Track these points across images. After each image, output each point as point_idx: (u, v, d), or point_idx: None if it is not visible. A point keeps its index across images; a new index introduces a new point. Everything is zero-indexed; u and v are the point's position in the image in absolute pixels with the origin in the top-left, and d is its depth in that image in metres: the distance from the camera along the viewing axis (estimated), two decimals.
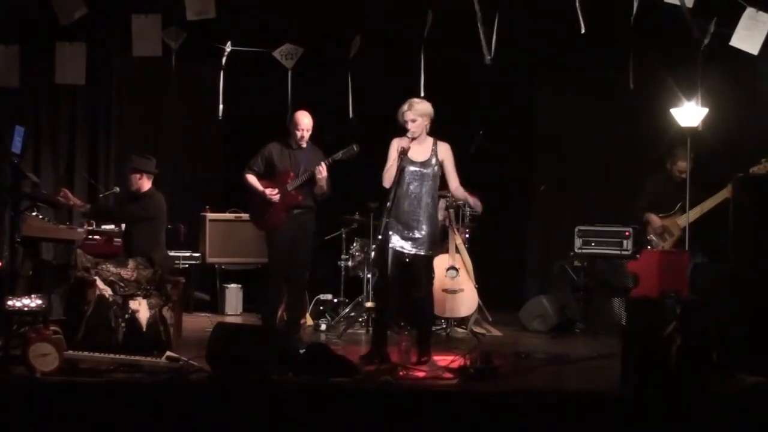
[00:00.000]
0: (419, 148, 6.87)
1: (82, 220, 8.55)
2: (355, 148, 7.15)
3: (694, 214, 7.89)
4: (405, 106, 6.84)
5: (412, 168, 6.83)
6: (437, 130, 7.35)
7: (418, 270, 6.88)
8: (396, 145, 6.84)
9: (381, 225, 6.71)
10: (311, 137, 7.64)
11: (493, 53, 7.36)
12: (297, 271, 7.64)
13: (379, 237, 6.68)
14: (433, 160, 6.86)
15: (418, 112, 6.80)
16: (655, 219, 8.31)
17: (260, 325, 7.82)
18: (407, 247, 6.81)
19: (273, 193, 7.55)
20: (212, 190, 10.14)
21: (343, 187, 7.82)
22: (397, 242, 6.79)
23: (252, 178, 7.66)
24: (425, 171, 6.83)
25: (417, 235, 6.81)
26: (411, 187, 6.83)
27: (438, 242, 7.16)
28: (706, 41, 6.99)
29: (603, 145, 9.69)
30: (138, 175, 7.46)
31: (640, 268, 8.44)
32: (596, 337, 8.35)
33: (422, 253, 6.83)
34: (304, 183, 7.52)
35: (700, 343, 5.90)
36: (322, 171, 7.40)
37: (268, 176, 7.66)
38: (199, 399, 5.64)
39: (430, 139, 6.92)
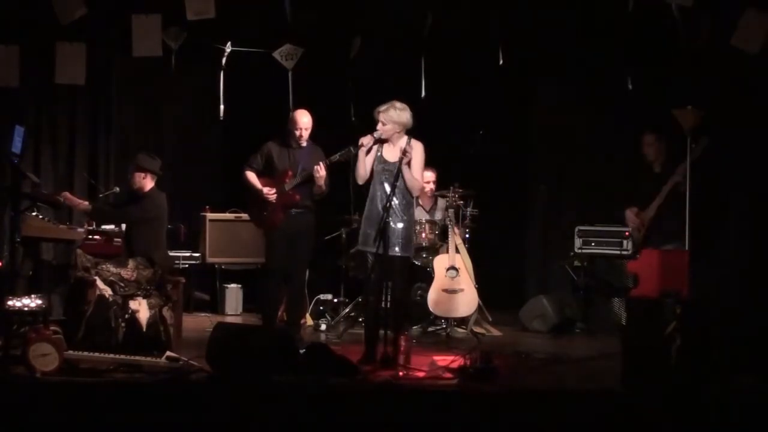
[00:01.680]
0: (392, 149, 6.88)
1: (82, 220, 8.55)
2: (353, 150, 7.14)
3: (653, 207, 7.88)
4: (383, 107, 6.85)
5: (383, 168, 6.86)
6: (438, 130, 7.38)
7: (393, 271, 6.81)
8: (360, 141, 6.92)
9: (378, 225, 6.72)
10: (311, 136, 7.64)
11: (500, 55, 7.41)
12: (297, 271, 7.63)
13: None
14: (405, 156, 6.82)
15: (390, 118, 6.82)
16: (629, 214, 8.24)
17: (260, 325, 7.82)
18: (381, 249, 6.68)
19: (270, 192, 7.55)
20: (212, 190, 10.13)
21: (343, 187, 7.82)
22: (371, 244, 6.76)
23: (251, 176, 7.66)
24: (395, 171, 6.80)
25: (390, 235, 6.76)
26: (383, 187, 6.84)
27: (410, 244, 7.01)
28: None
29: (603, 145, 9.68)
30: (142, 174, 7.45)
31: (640, 268, 8.43)
32: (596, 337, 8.35)
33: (395, 254, 6.79)
34: (302, 182, 7.52)
35: (700, 343, 5.90)
36: (320, 171, 7.39)
37: (267, 174, 7.65)
38: (199, 399, 5.64)
39: (405, 138, 6.89)
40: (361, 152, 6.90)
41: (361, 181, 6.93)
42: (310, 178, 7.48)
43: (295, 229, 7.54)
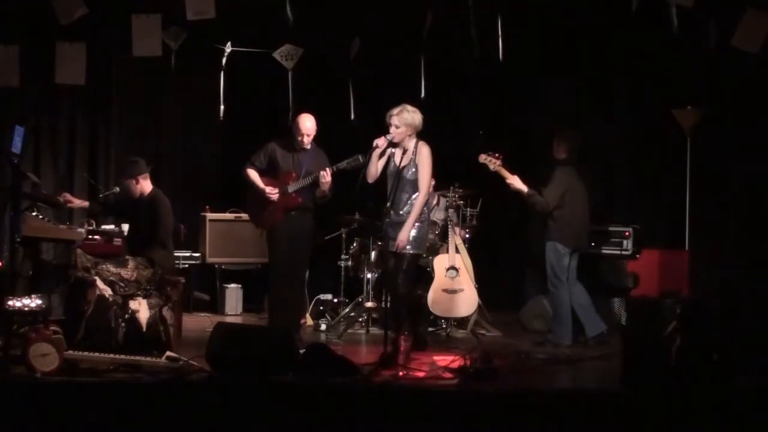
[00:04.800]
0: (401, 151, 6.97)
1: (82, 219, 8.56)
2: (360, 159, 7.14)
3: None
4: (395, 110, 6.96)
5: (393, 170, 6.97)
6: (438, 129, 7.38)
7: (399, 267, 6.97)
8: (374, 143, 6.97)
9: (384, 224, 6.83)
10: (315, 139, 7.63)
11: (501, 54, 7.43)
12: (297, 271, 7.63)
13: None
14: (411, 164, 6.94)
15: (403, 120, 6.92)
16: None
17: (260, 325, 7.82)
18: (391, 245, 6.94)
19: (273, 192, 7.54)
20: (212, 190, 10.14)
21: (343, 187, 7.81)
22: (387, 241, 6.95)
23: (253, 174, 7.65)
24: (404, 175, 6.93)
25: (397, 235, 6.93)
26: (393, 190, 6.94)
27: (422, 242, 7.21)
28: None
29: (603, 146, 9.68)
30: (134, 181, 7.46)
31: (640, 268, 8.46)
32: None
33: (406, 252, 6.93)
34: (305, 187, 7.51)
35: (700, 343, 5.90)
36: (326, 176, 7.38)
37: (269, 174, 7.65)
38: (199, 399, 5.64)
39: (413, 141, 6.97)
40: (375, 153, 6.96)
41: (371, 180, 7.04)
42: (314, 183, 7.47)
43: (294, 229, 7.53)
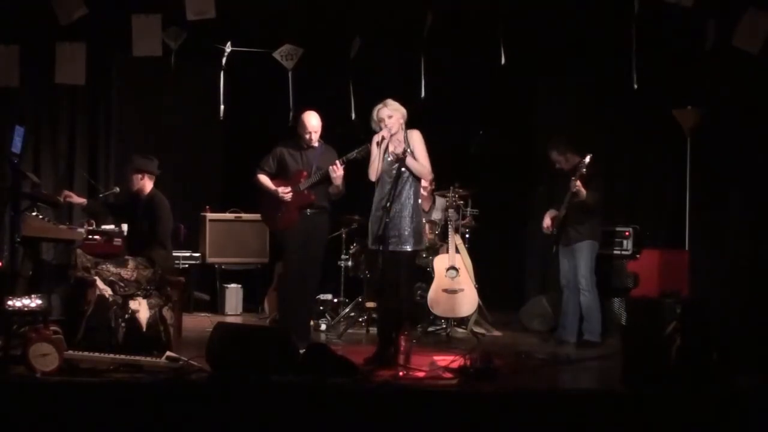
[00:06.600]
0: (395, 144, 6.91)
1: (82, 219, 8.56)
2: (370, 147, 7.14)
3: (562, 210, 8.00)
4: (380, 105, 6.93)
5: (389, 165, 6.90)
6: (438, 129, 7.38)
7: (400, 267, 6.87)
8: (376, 139, 6.93)
9: (379, 224, 6.75)
10: (322, 136, 7.64)
11: (502, 55, 7.44)
12: (310, 271, 7.60)
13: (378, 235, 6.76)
14: (408, 150, 6.87)
15: (393, 107, 6.90)
16: (546, 217, 8.24)
17: (260, 325, 7.81)
18: (392, 244, 6.81)
19: (285, 192, 7.53)
20: (212, 190, 10.14)
21: (348, 187, 7.82)
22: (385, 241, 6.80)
23: (264, 178, 7.65)
24: (399, 167, 6.84)
25: (397, 231, 6.83)
26: (388, 184, 6.85)
27: (420, 237, 7.04)
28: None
29: (603, 146, 9.68)
30: (140, 176, 7.46)
31: (640, 268, 8.46)
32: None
33: (404, 249, 6.85)
34: (317, 182, 7.51)
35: (700, 343, 5.90)
36: (337, 170, 7.37)
37: (280, 176, 7.65)
38: (199, 399, 5.64)
39: (402, 132, 6.95)
40: (381, 147, 6.90)
41: (374, 178, 6.96)
42: (325, 178, 7.47)
43: (309, 229, 7.52)
